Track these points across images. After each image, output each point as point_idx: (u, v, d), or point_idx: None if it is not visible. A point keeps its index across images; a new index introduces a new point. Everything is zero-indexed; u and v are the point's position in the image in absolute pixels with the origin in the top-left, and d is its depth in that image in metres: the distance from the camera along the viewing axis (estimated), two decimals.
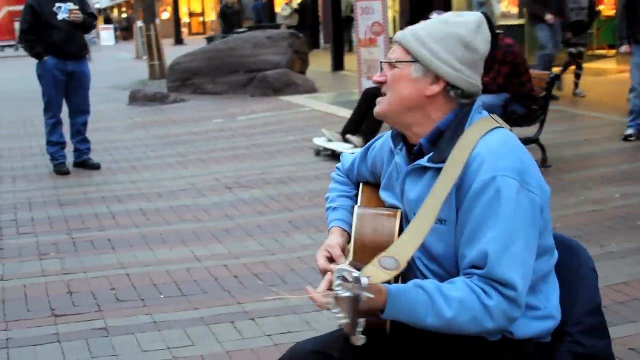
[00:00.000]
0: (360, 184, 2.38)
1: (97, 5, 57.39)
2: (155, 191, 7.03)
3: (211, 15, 43.95)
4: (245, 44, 14.12)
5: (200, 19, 49.71)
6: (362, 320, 1.71)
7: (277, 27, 18.23)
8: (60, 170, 7.90)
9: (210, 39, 20.65)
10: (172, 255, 5.22)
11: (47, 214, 6.36)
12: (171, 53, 18.52)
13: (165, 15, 42.84)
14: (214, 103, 13.11)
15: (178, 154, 8.85)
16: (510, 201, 1.88)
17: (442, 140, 2.01)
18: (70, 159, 8.18)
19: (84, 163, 8.14)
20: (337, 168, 2.49)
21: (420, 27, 2.06)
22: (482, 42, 2.05)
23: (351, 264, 1.87)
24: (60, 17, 7.59)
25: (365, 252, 2.06)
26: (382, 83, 2.07)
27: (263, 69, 13.67)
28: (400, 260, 1.85)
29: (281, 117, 10.98)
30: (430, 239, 1.98)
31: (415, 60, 2.01)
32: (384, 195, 2.22)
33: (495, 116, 2.10)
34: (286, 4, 22.78)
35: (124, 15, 52.68)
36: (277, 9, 23.72)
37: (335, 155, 7.78)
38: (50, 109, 7.92)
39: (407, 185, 2.08)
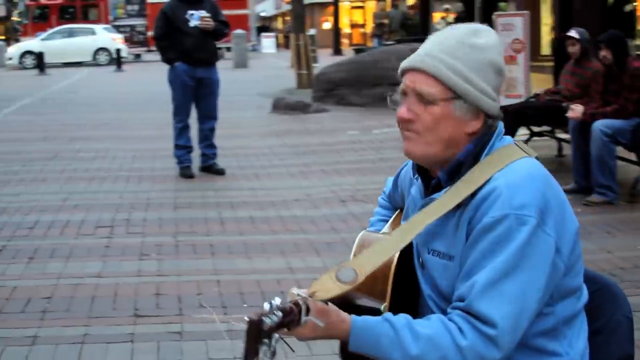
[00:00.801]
0: (397, 210, 2.29)
1: (263, 14, 59.36)
2: (270, 200, 7.06)
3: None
4: (390, 57, 14.00)
5: (362, 30, 50.12)
6: (264, 349, 1.61)
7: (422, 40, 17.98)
8: (185, 173, 8.11)
9: (359, 50, 20.70)
10: (267, 265, 5.20)
11: (160, 215, 6.53)
12: (327, 63, 18.72)
13: (327, 25, 43.51)
14: (353, 115, 13.09)
15: (303, 164, 8.87)
16: (520, 242, 1.71)
17: (459, 174, 1.85)
18: (197, 163, 8.37)
19: (210, 168, 8.31)
20: (383, 192, 2.40)
21: (446, 53, 1.83)
22: (504, 65, 1.89)
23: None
24: (191, 24, 7.80)
25: (363, 281, 1.87)
26: (409, 121, 1.84)
27: None
28: (359, 274, 1.75)
29: None
30: (438, 275, 1.87)
31: (457, 96, 1.81)
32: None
33: (520, 142, 1.92)
34: (442, 18, 22.53)
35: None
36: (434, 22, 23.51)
37: None
38: (179, 114, 8.15)
39: None
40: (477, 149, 1.85)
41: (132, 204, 6.91)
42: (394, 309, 1.88)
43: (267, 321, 1.59)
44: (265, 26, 54.32)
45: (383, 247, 1.84)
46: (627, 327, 1.97)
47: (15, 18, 42.57)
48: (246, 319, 1.58)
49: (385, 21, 22.81)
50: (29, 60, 30.85)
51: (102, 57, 31.77)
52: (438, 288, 1.88)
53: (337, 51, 33.00)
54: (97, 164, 8.95)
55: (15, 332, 4.12)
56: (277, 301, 1.64)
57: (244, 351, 1.61)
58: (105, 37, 31.92)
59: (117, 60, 28.19)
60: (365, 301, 1.99)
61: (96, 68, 30.28)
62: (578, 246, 1.86)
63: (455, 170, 1.85)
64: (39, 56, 27.08)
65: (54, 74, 26.66)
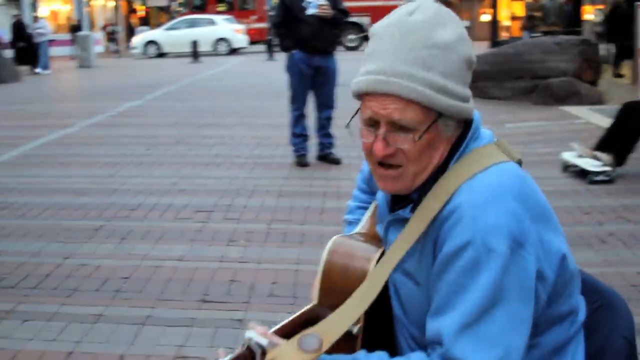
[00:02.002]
0: (373, 202, 1.97)
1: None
2: None
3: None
4: (533, 49, 13.37)
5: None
6: None
7: (574, 32, 17.08)
8: (300, 161, 8.05)
9: (500, 43, 19.93)
10: None
11: (262, 202, 6.48)
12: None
13: (485, 17, 42.40)
14: (490, 108, 12.57)
15: None
16: (492, 272, 1.44)
17: (428, 185, 1.58)
18: (314, 152, 8.29)
19: (326, 157, 8.21)
20: (361, 171, 2.10)
21: (417, 64, 1.49)
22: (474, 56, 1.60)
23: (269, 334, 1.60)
24: (309, 12, 7.71)
25: (333, 296, 1.74)
26: (390, 155, 1.55)
27: (548, 76, 12.86)
28: (325, 341, 1.53)
29: (549, 127, 10.21)
30: (406, 298, 1.64)
31: (440, 116, 1.52)
32: (378, 228, 1.84)
33: (501, 141, 1.62)
34: (599, 9, 21.31)
35: None
36: (587, 14, 22.30)
37: (583, 173, 7.02)
38: (296, 102, 8.09)
39: (390, 235, 1.69)
40: (448, 154, 1.58)
41: (238, 190, 6.91)
42: (368, 331, 1.69)
43: None
44: None
45: (349, 306, 1.60)
46: (622, 351, 1.64)
47: (175, 7, 44.34)
48: None
49: (537, 14, 21.85)
50: (152, 50, 32.47)
51: (222, 47, 32.62)
52: (406, 311, 1.66)
53: (495, 43, 32.06)
54: (217, 150, 9.05)
55: (84, 309, 4.17)
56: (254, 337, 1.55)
57: None
58: (226, 27, 32.67)
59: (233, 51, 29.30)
60: None
61: (248, 57, 30.94)
62: (569, 264, 1.56)
63: (424, 182, 1.58)
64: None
65: (206, 61, 27.49)
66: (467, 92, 1.56)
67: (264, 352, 1.53)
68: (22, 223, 5.90)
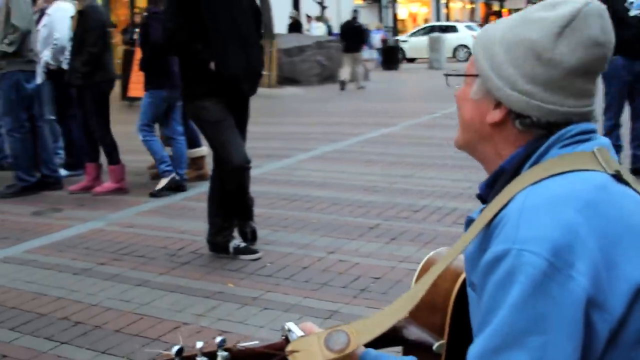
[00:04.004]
0: None
1: None
2: None
3: None
4: None
5: None
6: None
7: None
8: None
9: None
10: None
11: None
12: None
13: None
14: None
15: None
16: (525, 289, 1.20)
17: (495, 187, 1.41)
18: (627, 164, 7.52)
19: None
20: None
21: (502, 22, 1.44)
22: (570, 53, 1.32)
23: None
24: (632, 13, 6.97)
25: (420, 309, 1.57)
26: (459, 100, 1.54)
27: None
28: (352, 342, 1.41)
29: None
30: (472, 314, 1.46)
31: (477, 74, 1.44)
32: None
33: (603, 149, 1.35)
34: None
35: None
36: None
37: None
38: (610, 111, 7.37)
39: None
40: (522, 156, 1.38)
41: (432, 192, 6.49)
42: (453, 348, 1.56)
43: None
44: None
45: (391, 310, 1.43)
46: None
47: None
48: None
49: None
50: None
51: (462, 54, 31.90)
52: (473, 329, 1.44)
53: None
54: None
55: (323, 304, 4.17)
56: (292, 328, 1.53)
57: None
58: (466, 34, 31.98)
59: None
60: (417, 334, 1.67)
61: None
62: None
63: (493, 182, 1.43)
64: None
65: None
66: (516, 78, 1.36)
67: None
68: (306, 215, 6.12)
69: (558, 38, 1.32)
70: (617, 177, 1.32)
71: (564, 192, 1.27)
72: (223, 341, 1.49)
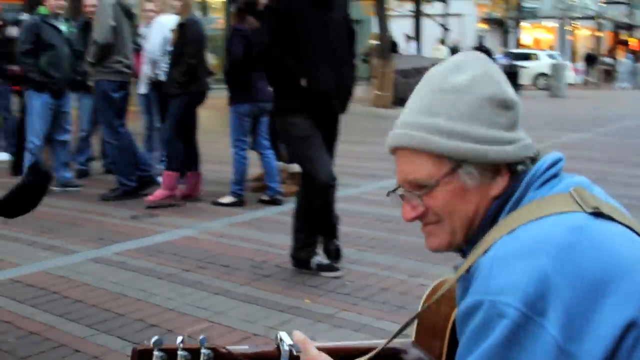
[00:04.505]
0: None
1: None
2: None
3: None
4: None
5: None
6: None
7: None
8: None
9: None
10: None
11: None
12: None
13: None
14: None
15: None
16: (498, 340, 1.19)
17: (477, 239, 1.38)
18: None
19: None
20: None
21: (423, 112, 1.37)
22: (511, 89, 1.39)
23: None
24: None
25: (422, 332, 1.65)
26: (421, 216, 1.42)
27: None
28: None
29: None
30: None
31: (458, 163, 1.34)
32: None
33: (580, 189, 1.32)
34: None
35: None
36: None
37: None
38: None
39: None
40: (498, 207, 1.36)
41: None
42: None
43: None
44: None
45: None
46: None
47: None
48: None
49: None
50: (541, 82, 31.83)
51: (541, 82, 31.30)
52: None
53: None
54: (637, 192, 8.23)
55: (392, 326, 4.09)
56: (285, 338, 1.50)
57: None
58: (547, 62, 31.10)
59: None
60: (417, 356, 1.65)
61: None
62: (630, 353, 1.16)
63: (476, 236, 1.38)
64: None
65: None
66: (496, 133, 1.34)
67: (292, 355, 1.47)
68: (395, 237, 6.04)
69: (500, 81, 1.38)
70: (597, 214, 1.26)
71: (536, 239, 1.22)
72: (204, 340, 1.46)
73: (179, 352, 1.43)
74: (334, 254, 5.28)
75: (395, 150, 1.41)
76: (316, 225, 5.16)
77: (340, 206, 7.06)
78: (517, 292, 1.17)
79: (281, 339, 1.49)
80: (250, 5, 7.12)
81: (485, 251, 1.27)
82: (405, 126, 1.38)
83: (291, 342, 1.47)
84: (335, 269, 5.09)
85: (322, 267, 5.08)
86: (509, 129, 1.35)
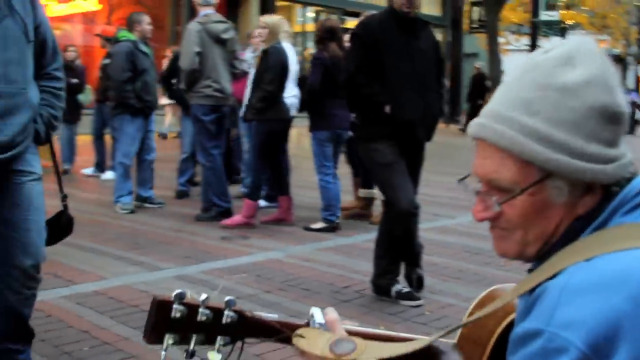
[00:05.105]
0: None
1: None
2: None
3: None
4: None
5: None
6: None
7: None
8: None
9: None
10: None
11: None
12: None
13: None
14: None
15: None
16: None
17: (549, 255, 1.24)
18: None
19: None
20: None
21: (519, 107, 1.21)
22: (623, 97, 1.22)
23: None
24: None
25: (465, 341, 1.53)
26: (493, 219, 1.28)
27: None
28: (356, 353, 1.32)
29: None
30: None
31: (547, 175, 1.19)
32: None
33: None
34: None
35: None
36: None
37: None
38: None
39: None
40: (579, 225, 1.22)
41: None
42: None
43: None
44: None
45: (414, 343, 1.34)
46: None
47: None
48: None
49: None
50: None
51: None
52: None
53: None
54: None
55: None
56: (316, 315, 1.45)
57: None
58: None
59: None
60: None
61: None
62: None
63: (549, 254, 1.23)
64: None
65: None
66: (598, 149, 1.18)
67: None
68: (482, 270, 5.89)
69: (611, 92, 1.21)
70: None
71: (616, 274, 1.08)
72: (233, 302, 1.40)
73: (200, 309, 1.38)
74: (416, 283, 5.19)
75: (476, 139, 1.27)
76: (398, 252, 5.09)
77: (433, 237, 7.01)
78: (583, 329, 1.05)
79: (312, 315, 1.44)
80: (332, 32, 7.18)
81: (555, 275, 1.15)
82: (496, 118, 1.22)
83: (322, 321, 1.42)
84: (415, 298, 5.00)
85: (401, 295, 5.01)
86: (611, 146, 1.19)
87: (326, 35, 7.24)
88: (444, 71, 5.37)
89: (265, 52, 7.32)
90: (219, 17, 7.80)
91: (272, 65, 7.17)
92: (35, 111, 3.19)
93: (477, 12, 28.08)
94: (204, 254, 6.16)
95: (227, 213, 7.59)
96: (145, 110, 8.02)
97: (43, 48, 3.26)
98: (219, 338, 1.41)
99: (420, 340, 1.36)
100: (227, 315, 1.39)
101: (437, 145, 7.30)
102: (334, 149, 7.51)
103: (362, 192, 7.84)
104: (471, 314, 1.54)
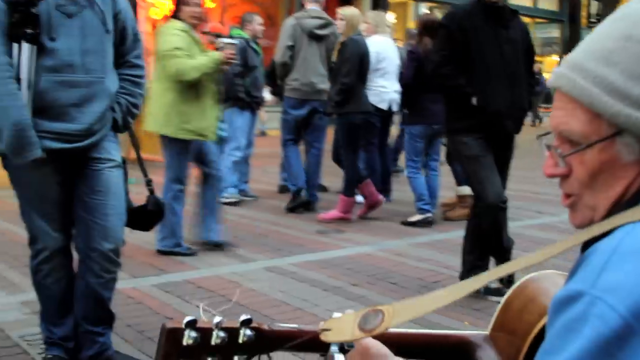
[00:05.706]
0: None
1: None
2: None
3: None
4: None
5: None
6: None
7: None
8: None
9: None
10: None
11: None
12: None
13: None
14: None
15: None
16: (588, 346, 0.99)
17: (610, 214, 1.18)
18: None
19: None
20: None
21: (597, 58, 1.13)
22: None
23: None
24: None
25: (501, 333, 1.49)
26: (562, 176, 1.22)
27: None
28: (385, 323, 1.25)
29: None
30: None
31: (619, 131, 1.12)
32: None
33: None
34: None
35: None
36: None
37: None
38: None
39: None
40: None
41: None
42: None
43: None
44: None
45: (440, 294, 1.28)
46: None
47: None
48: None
49: None
50: None
51: None
52: None
53: None
54: None
55: None
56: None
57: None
58: None
59: None
60: (490, 357, 1.50)
61: None
62: None
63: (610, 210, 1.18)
64: None
65: None
66: None
67: (342, 348, 1.37)
68: None
69: None
70: None
71: None
72: (249, 320, 1.38)
73: (214, 332, 1.36)
74: (505, 279, 5.08)
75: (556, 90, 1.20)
76: (486, 247, 5.00)
77: (534, 234, 6.85)
78: (626, 295, 0.98)
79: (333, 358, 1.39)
80: (428, 27, 7.09)
81: (608, 232, 1.09)
82: (573, 67, 1.16)
83: None
84: (503, 294, 4.88)
85: (489, 291, 4.91)
86: None
87: (422, 29, 7.18)
88: (534, 62, 5.22)
89: (343, 44, 7.29)
90: (319, 13, 7.85)
91: (349, 57, 7.13)
92: (113, 100, 3.30)
93: (595, 6, 27.17)
94: (296, 247, 6.24)
95: (308, 203, 7.80)
96: (252, 105, 8.24)
97: (123, 36, 3.37)
98: (236, 358, 1.40)
99: (442, 298, 1.27)
100: (244, 335, 1.38)
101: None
102: (431, 142, 7.44)
103: (458, 190, 7.74)
104: (510, 297, 1.52)
